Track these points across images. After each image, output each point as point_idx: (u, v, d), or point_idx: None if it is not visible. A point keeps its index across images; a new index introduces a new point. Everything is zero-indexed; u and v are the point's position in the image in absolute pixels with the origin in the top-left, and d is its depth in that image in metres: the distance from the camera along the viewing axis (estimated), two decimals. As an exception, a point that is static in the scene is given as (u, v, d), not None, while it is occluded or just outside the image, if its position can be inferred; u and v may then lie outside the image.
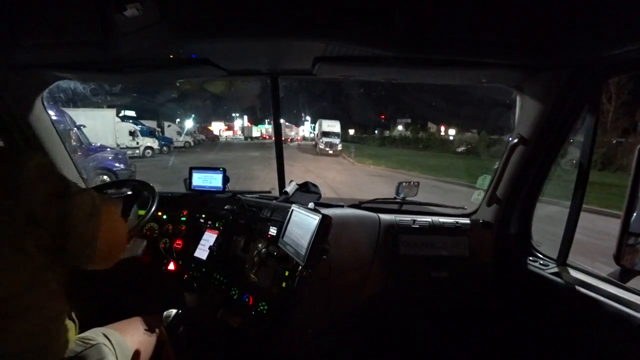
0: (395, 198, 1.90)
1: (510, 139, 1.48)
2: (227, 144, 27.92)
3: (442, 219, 1.74)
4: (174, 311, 1.42)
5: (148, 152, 14.19)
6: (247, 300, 1.42)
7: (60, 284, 0.87)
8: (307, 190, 1.88)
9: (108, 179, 7.40)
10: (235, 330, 1.40)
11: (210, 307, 1.51)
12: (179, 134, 20.21)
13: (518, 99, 1.49)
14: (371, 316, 1.69)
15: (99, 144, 9.35)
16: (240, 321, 1.39)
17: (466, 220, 1.73)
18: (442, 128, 31.15)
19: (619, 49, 1.04)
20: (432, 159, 17.72)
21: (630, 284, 1.16)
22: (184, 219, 1.79)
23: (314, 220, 1.25)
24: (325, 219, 1.22)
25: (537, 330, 1.44)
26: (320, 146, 20.22)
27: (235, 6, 0.99)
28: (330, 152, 19.54)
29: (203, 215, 1.75)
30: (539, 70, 1.30)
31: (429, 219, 1.73)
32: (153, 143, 14.76)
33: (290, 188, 1.85)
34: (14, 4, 1.03)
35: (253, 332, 1.39)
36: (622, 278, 1.18)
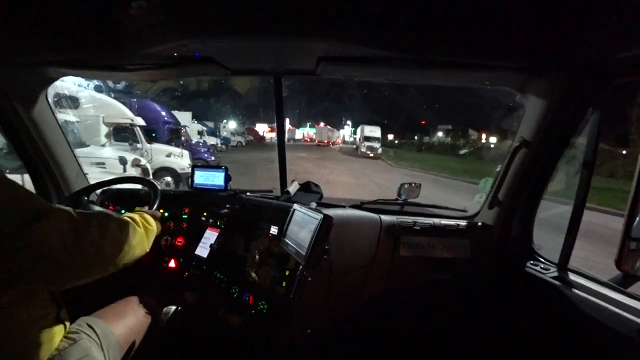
0: (396, 199, 1.90)
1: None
2: (273, 145, 29.05)
3: (443, 221, 1.73)
4: (173, 307, 1.43)
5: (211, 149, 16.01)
6: (247, 299, 1.42)
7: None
8: (308, 190, 1.88)
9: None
10: (235, 329, 1.40)
11: (210, 306, 1.51)
12: (233, 134, 22.60)
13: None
14: (371, 317, 1.69)
15: (195, 140, 11.82)
16: (240, 320, 1.39)
17: (468, 223, 1.73)
18: (484, 135, 30.26)
19: (623, 51, 1.03)
20: (465, 164, 18.54)
21: (632, 289, 1.16)
22: (185, 216, 1.79)
23: (315, 220, 1.25)
24: (326, 219, 1.22)
25: (537, 334, 1.44)
26: (362, 149, 22.55)
27: (238, 5, 0.99)
28: (371, 155, 21.60)
29: (204, 214, 1.76)
30: (542, 72, 1.29)
31: (430, 220, 1.73)
32: (216, 141, 16.87)
33: (292, 188, 1.84)
34: (19, 2, 1.03)
35: (253, 331, 1.39)
36: (623, 283, 1.17)
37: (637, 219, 1.06)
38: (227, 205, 1.69)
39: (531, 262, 1.52)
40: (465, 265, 1.67)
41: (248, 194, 1.87)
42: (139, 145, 6.96)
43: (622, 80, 1.17)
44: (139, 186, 1.86)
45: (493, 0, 0.92)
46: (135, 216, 1.12)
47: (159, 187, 1.57)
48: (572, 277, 1.34)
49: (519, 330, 1.54)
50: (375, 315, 1.69)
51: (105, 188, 1.88)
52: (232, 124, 23.15)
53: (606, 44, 1.04)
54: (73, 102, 5.53)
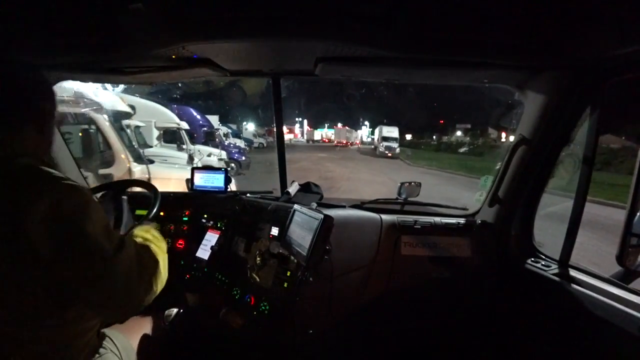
0: (397, 198, 1.90)
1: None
2: (292, 145, 30.51)
3: (444, 220, 1.73)
4: (175, 310, 1.42)
5: (236, 150, 16.91)
6: (248, 300, 1.42)
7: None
8: (308, 191, 1.88)
9: (234, 167, 9.98)
10: (236, 330, 1.40)
11: (212, 307, 1.51)
12: (255, 136, 23.39)
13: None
14: (373, 316, 1.69)
15: (227, 142, 12.86)
16: (242, 321, 1.39)
17: (468, 221, 1.73)
18: (503, 134, 30.20)
19: (622, 49, 1.03)
20: (481, 162, 18.82)
21: (633, 285, 1.16)
22: (186, 219, 1.79)
23: (315, 220, 1.25)
24: (327, 219, 1.22)
25: (538, 331, 1.44)
26: (380, 149, 23.22)
27: (236, 6, 0.99)
28: (389, 154, 22.14)
29: (205, 215, 1.75)
30: (541, 70, 1.29)
31: (430, 219, 1.73)
32: (240, 143, 17.54)
33: (292, 188, 1.84)
34: (16, 5, 1.03)
35: (255, 332, 1.39)
36: (624, 279, 1.17)
37: (638, 214, 1.06)
38: (227, 207, 1.69)
39: (532, 259, 1.52)
40: (466, 263, 1.67)
41: (248, 195, 1.87)
42: (184, 146, 7.78)
43: (621, 77, 1.17)
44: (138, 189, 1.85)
45: None
46: (148, 236, 1.05)
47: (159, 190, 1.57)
48: (573, 273, 1.34)
49: (521, 327, 1.54)
50: (376, 315, 1.69)
51: (106, 191, 1.87)
52: (250, 126, 23.85)
53: (604, 42, 1.04)
54: (132, 109, 6.21)
